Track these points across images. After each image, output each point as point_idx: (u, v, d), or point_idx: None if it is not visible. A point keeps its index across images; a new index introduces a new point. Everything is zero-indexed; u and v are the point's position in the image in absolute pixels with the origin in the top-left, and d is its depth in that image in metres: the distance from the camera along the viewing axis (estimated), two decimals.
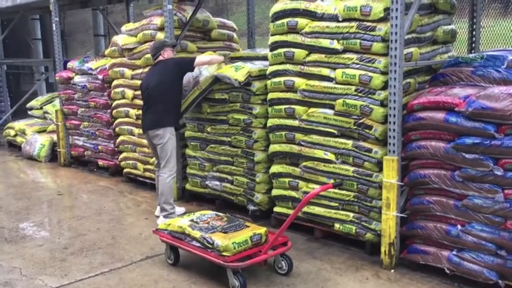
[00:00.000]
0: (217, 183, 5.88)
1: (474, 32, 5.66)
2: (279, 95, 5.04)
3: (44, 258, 4.80)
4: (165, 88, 5.49)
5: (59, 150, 8.57)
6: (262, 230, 4.27)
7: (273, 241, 4.17)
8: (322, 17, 4.67)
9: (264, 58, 5.73)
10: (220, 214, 4.65)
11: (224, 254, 3.98)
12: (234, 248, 4.00)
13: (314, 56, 4.75)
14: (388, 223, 4.29)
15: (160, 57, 5.63)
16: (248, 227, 4.32)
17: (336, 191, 4.69)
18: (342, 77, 4.55)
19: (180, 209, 5.75)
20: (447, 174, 3.99)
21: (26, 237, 5.37)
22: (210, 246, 4.06)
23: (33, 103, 10.25)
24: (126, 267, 4.56)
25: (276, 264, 4.32)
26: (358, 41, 4.45)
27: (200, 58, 5.67)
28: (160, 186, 5.57)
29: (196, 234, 4.20)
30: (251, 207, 5.55)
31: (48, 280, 4.35)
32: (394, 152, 4.26)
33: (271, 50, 5.09)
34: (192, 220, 4.45)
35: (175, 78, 5.56)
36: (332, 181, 4.74)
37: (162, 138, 5.47)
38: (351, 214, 4.69)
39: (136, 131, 6.97)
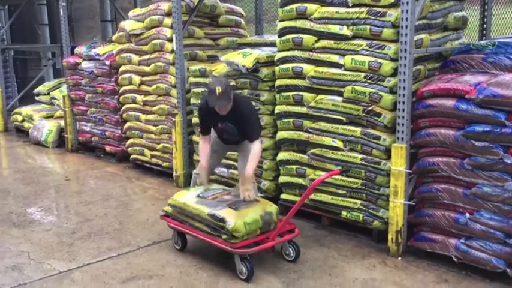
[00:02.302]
0: (224, 170, 5.87)
1: (485, 19, 5.60)
2: (287, 82, 5.01)
3: (52, 243, 4.83)
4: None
5: (66, 135, 8.59)
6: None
7: (281, 228, 4.17)
8: (331, 3, 4.62)
9: (272, 44, 5.70)
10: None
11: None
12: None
13: (323, 42, 4.70)
14: (396, 211, 4.28)
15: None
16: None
17: (344, 178, 4.68)
18: (351, 63, 4.51)
19: None
20: (456, 162, 3.97)
21: (34, 222, 5.40)
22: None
23: (40, 89, 10.25)
24: (133, 252, 4.58)
25: (284, 250, 4.32)
26: (368, 26, 4.40)
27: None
28: None
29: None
30: (258, 194, 5.54)
31: (56, 264, 4.38)
32: (402, 139, 4.23)
33: (279, 36, 5.05)
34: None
35: None
36: (340, 168, 4.72)
37: None
38: (359, 202, 4.68)
39: (144, 117, 6.96)
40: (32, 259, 4.49)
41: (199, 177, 4.68)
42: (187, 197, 4.38)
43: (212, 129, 4.66)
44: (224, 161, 5.84)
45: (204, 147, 4.64)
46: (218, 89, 4.16)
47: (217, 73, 5.74)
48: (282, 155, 5.21)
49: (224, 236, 4.01)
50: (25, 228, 5.23)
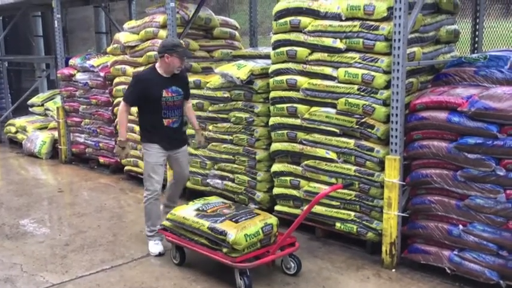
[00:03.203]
0: (219, 181, 5.88)
1: (477, 32, 5.66)
2: (281, 94, 5.04)
3: (45, 255, 4.80)
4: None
5: (59, 147, 8.57)
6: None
7: (282, 241, 4.15)
8: (325, 16, 4.67)
9: (266, 57, 5.74)
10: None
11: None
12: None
13: (317, 55, 4.74)
14: (390, 222, 4.29)
15: (161, 61, 4.66)
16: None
17: (338, 190, 4.69)
18: (345, 76, 4.55)
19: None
20: (449, 174, 3.99)
21: (27, 234, 5.37)
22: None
23: (34, 100, 10.24)
24: (127, 264, 4.57)
25: (284, 264, 4.30)
26: (361, 40, 4.45)
27: (120, 112, 4.73)
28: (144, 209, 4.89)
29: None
30: (252, 206, 5.55)
31: (49, 277, 4.35)
32: (396, 151, 4.26)
33: (273, 49, 5.09)
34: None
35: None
36: (334, 180, 4.74)
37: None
38: (352, 213, 4.69)
39: (137, 128, 6.95)
40: (24, 271, 4.46)
41: (123, 151, 4.77)
42: (187, 211, 4.38)
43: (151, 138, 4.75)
44: (218, 172, 5.86)
45: (125, 116, 4.73)
46: (182, 43, 4.28)
47: (211, 85, 5.77)
48: (276, 167, 5.22)
49: (225, 250, 3.98)
50: (18, 240, 5.20)
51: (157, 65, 4.75)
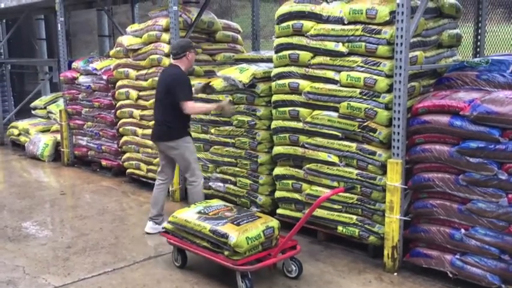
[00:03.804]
0: (221, 184, 5.88)
1: (479, 37, 5.66)
2: (283, 97, 5.05)
3: (47, 257, 4.81)
4: (166, 100, 5.02)
5: (62, 150, 8.59)
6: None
7: (283, 244, 4.15)
8: (327, 20, 4.68)
9: (269, 60, 5.75)
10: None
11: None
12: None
13: (319, 59, 4.75)
14: (392, 226, 4.29)
15: (184, 59, 5.09)
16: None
17: (340, 193, 4.69)
18: (347, 79, 4.56)
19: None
20: (451, 178, 3.99)
21: (29, 236, 5.38)
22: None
23: (37, 103, 10.27)
24: (129, 267, 4.57)
25: (286, 267, 4.30)
26: (363, 43, 4.46)
27: (193, 106, 5.03)
28: (192, 196, 5.14)
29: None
30: (254, 209, 5.56)
31: (51, 279, 4.36)
32: (398, 155, 4.26)
33: (276, 52, 5.10)
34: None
35: (168, 94, 5.01)
36: (336, 184, 4.74)
37: (176, 149, 5.10)
38: (354, 217, 4.69)
39: (140, 131, 6.99)
40: (27, 274, 4.47)
41: (228, 109, 5.21)
42: (188, 214, 4.37)
43: None
44: (220, 175, 5.87)
45: (197, 105, 5.23)
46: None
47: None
48: (278, 170, 5.22)
49: (226, 252, 3.98)
50: (20, 242, 5.21)
51: (178, 64, 5.12)
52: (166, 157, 5.27)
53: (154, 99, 5.40)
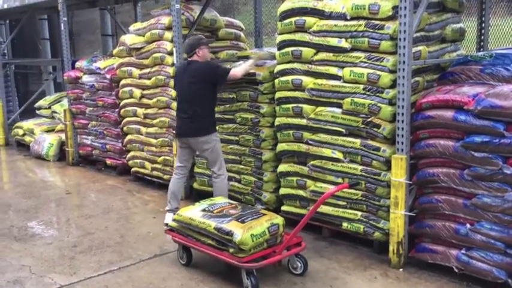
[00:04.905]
0: None
1: (483, 31, 5.64)
2: (286, 94, 5.04)
3: (53, 257, 4.83)
4: (201, 93, 5.12)
5: (67, 149, 8.62)
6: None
7: (288, 241, 4.15)
8: (330, 16, 4.67)
9: (272, 57, 5.73)
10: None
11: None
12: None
13: (322, 55, 4.74)
14: (397, 222, 4.28)
15: (195, 57, 5.21)
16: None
17: (344, 189, 4.68)
18: (350, 75, 4.55)
19: None
20: (456, 172, 3.98)
21: (35, 236, 5.40)
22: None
23: (41, 103, 10.31)
24: (134, 266, 4.58)
25: (291, 264, 4.30)
26: (366, 39, 4.44)
27: (235, 71, 5.18)
28: (219, 189, 5.24)
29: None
30: (259, 206, 5.56)
31: (58, 278, 4.37)
32: (402, 150, 4.25)
33: (279, 49, 5.09)
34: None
35: (207, 84, 5.14)
36: (340, 180, 4.74)
37: (209, 143, 5.20)
38: (359, 213, 4.68)
39: (144, 130, 6.99)
40: (33, 273, 4.49)
41: (260, 57, 5.47)
42: (193, 212, 4.37)
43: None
44: None
45: (238, 69, 5.28)
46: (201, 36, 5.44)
47: None
48: (283, 167, 5.22)
49: (231, 250, 3.98)
50: (26, 242, 5.23)
51: (194, 60, 5.23)
52: (189, 153, 5.40)
53: (179, 97, 5.35)
